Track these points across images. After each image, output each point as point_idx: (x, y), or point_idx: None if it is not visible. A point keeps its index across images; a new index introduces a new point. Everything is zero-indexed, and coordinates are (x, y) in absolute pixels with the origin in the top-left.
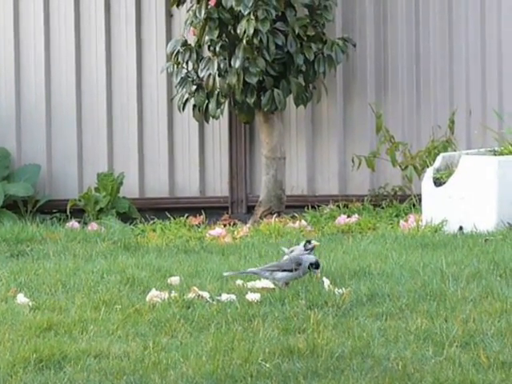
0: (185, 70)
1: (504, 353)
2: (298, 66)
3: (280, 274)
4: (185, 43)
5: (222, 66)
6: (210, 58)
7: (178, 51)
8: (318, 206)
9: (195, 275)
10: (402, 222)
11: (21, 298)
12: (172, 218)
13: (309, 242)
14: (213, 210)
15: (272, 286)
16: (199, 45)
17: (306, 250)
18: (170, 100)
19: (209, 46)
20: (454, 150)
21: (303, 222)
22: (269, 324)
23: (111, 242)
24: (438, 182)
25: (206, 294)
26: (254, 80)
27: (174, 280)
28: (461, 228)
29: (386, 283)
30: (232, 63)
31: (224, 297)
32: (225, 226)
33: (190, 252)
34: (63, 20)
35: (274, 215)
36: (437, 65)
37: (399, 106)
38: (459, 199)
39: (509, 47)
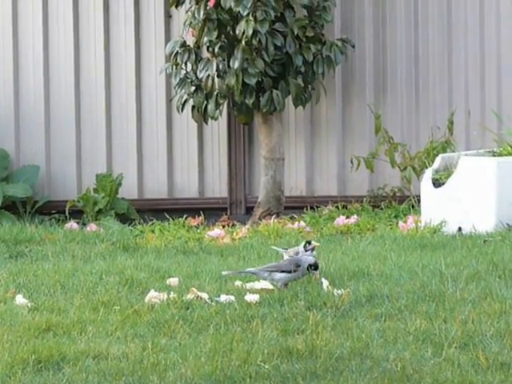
0: (184, 71)
1: (503, 354)
2: (297, 67)
3: (279, 275)
4: (184, 44)
5: (220, 66)
6: (208, 59)
7: (177, 52)
8: (317, 207)
9: (194, 276)
10: (400, 222)
11: (19, 299)
12: (171, 219)
13: (309, 242)
14: (212, 211)
15: (271, 287)
16: (198, 46)
17: (306, 250)
18: (169, 101)
19: (208, 47)
20: (453, 151)
21: (302, 222)
22: (268, 325)
23: (110, 243)
24: (437, 183)
25: (204, 295)
26: (252, 81)
27: (173, 281)
28: (460, 229)
29: (384, 284)
30: (231, 64)
31: (223, 298)
32: (224, 226)
33: (189, 253)
34: (62, 20)
35: (273, 216)
36: (436, 66)
37: (398, 106)
38: (458, 200)
39: (507, 48)
